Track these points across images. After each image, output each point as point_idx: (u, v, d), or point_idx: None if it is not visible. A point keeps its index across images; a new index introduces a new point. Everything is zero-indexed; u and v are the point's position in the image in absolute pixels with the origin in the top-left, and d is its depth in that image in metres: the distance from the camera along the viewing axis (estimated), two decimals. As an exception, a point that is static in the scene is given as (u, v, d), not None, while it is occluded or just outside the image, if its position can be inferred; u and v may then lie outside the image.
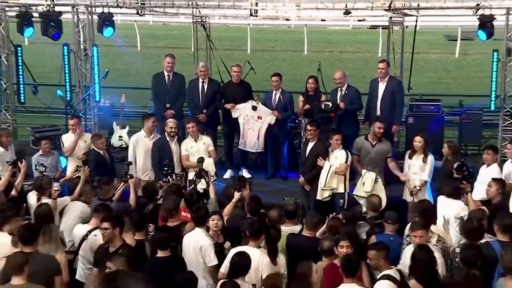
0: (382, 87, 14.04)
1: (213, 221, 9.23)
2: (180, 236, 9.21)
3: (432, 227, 9.43)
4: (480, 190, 11.15)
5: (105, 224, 8.49)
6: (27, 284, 7.37)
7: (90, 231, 9.12)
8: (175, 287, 7.40)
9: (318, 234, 9.38)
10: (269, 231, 8.86)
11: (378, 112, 13.90)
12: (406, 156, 12.37)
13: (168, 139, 12.70)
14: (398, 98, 14.10)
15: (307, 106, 14.26)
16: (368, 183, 11.90)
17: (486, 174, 11.44)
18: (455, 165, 11.19)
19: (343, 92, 14.12)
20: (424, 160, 12.04)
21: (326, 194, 11.97)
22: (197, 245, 8.87)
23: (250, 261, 8.03)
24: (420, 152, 12.08)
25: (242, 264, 7.97)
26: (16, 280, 7.34)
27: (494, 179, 10.78)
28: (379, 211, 10.30)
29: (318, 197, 11.97)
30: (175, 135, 12.82)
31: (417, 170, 12.10)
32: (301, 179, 12.56)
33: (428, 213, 9.59)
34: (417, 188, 11.99)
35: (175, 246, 8.99)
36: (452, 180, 11.32)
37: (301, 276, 8.00)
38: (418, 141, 12.13)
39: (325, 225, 9.55)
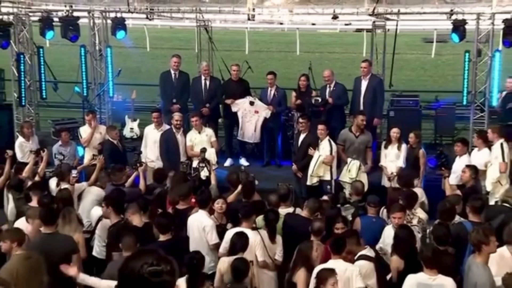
0: (364, 84, 14.10)
1: (217, 204, 9.28)
2: (187, 218, 9.26)
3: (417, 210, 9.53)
4: (452, 178, 11.28)
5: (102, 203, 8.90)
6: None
7: (106, 213, 9.16)
8: (185, 265, 7.43)
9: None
10: (267, 214, 8.91)
11: (361, 107, 13.95)
12: (382, 146, 12.46)
13: (174, 130, 12.74)
14: (379, 94, 14.17)
15: (299, 101, 14.30)
16: (353, 170, 11.98)
17: (458, 164, 11.55)
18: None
19: (331, 89, 14.17)
20: (399, 148, 12.16)
21: (314, 180, 12.04)
22: (200, 225, 8.89)
23: (248, 240, 8.08)
24: (395, 141, 12.19)
25: (240, 242, 8.02)
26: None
27: (467, 166, 10.92)
28: (362, 195, 10.38)
29: (308, 182, 12.04)
30: (181, 127, 12.84)
31: (393, 158, 12.22)
32: (294, 166, 12.61)
33: (411, 198, 9.67)
34: (394, 174, 12.08)
35: (180, 228, 9.02)
36: (411, 169, 11.50)
37: (303, 253, 8.07)
38: (396, 132, 12.26)
39: None
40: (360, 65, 14.41)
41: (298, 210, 9.70)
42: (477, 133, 12.40)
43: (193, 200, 9.73)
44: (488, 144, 11.77)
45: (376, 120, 14.04)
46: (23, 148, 12.57)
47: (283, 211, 9.59)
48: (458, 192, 10.31)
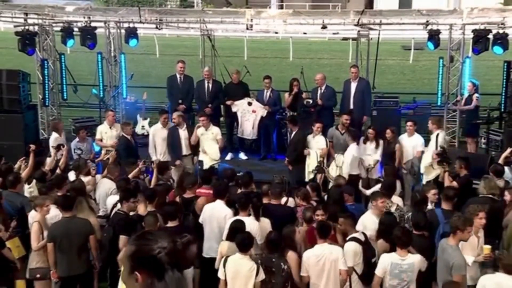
0: (354, 86, 14.08)
1: None
2: (193, 206, 9.18)
3: (393, 198, 9.50)
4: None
5: None
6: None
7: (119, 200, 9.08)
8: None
9: None
10: (252, 200, 8.82)
11: (351, 106, 13.95)
12: (361, 141, 12.39)
13: (177, 127, 12.67)
14: (367, 95, 14.17)
15: (294, 92, 14.24)
16: (340, 162, 11.96)
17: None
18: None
19: (322, 91, 14.17)
20: (377, 143, 12.15)
21: (312, 175, 11.93)
22: (221, 214, 8.71)
23: (245, 225, 8.03)
24: (372, 139, 12.19)
25: (239, 228, 7.96)
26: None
27: (458, 157, 10.92)
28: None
29: (306, 179, 11.85)
30: (179, 124, 12.68)
31: (371, 152, 12.22)
32: (286, 161, 12.62)
33: (391, 188, 9.66)
34: (372, 166, 12.09)
35: (186, 215, 8.95)
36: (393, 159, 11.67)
37: (287, 237, 8.03)
38: (370, 132, 12.35)
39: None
40: (350, 70, 14.44)
41: (290, 200, 9.62)
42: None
43: (198, 190, 9.69)
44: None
45: (365, 118, 14.05)
46: (57, 142, 12.64)
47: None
48: (455, 183, 10.21)
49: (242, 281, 7.29)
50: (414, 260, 7.33)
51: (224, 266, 7.41)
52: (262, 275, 7.30)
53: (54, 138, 12.79)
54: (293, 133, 12.61)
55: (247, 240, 7.41)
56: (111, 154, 11.42)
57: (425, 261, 7.42)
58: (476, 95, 14.45)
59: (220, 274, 7.45)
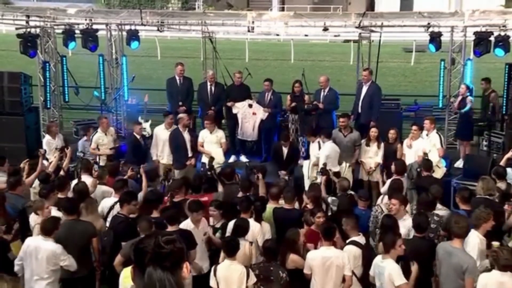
0: (364, 89, 14.03)
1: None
2: (183, 210, 9.09)
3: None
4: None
5: None
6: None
7: (116, 202, 9.08)
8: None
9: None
10: (254, 204, 8.85)
11: (359, 109, 13.95)
12: (363, 144, 12.39)
13: (181, 129, 12.67)
14: (375, 99, 13.98)
15: (293, 104, 14.34)
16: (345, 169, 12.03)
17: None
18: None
19: (325, 93, 14.15)
20: (378, 146, 12.17)
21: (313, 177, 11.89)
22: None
23: (249, 224, 8.06)
24: (374, 140, 12.19)
25: (242, 226, 8.00)
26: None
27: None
28: (347, 190, 10.34)
29: (306, 188, 11.69)
30: (188, 126, 12.76)
31: (372, 154, 12.23)
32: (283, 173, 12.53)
33: (400, 188, 9.72)
34: (373, 169, 12.10)
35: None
36: (396, 159, 11.56)
37: (291, 240, 8.05)
38: (374, 131, 12.32)
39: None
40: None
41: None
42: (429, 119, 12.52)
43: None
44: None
45: (371, 123, 13.67)
46: (50, 145, 12.60)
47: (281, 202, 9.35)
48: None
49: (235, 287, 7.32)
50: (387, 266, 7.16)
51: (215, 275, 7.38)
52: (253, 278, 7.29)
53: (46, 141, 12.79)
54: (284, 149, 12.61)
55: (233, 242, 7.45)
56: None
57: (402, 279, 7.07)
58: (470, 97, 14.28)
59: (212, 283, 7.41)
